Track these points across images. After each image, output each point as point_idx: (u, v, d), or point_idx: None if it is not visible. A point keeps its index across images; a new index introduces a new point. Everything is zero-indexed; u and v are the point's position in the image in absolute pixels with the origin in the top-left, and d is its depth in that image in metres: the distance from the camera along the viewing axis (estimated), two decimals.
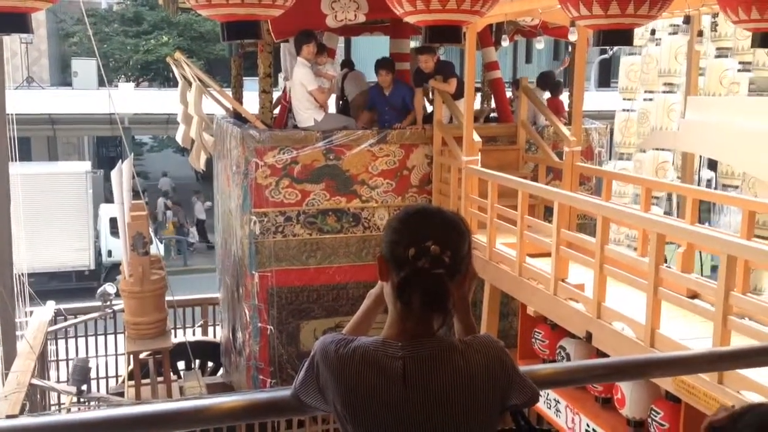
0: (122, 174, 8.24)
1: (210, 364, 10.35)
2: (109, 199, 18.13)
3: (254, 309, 7.58)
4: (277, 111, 8.39)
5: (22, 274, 9.47)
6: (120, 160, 8.37)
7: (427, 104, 8.33)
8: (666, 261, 5.00)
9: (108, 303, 9.98)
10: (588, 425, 5.46)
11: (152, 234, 9.51)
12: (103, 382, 10.32)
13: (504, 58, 25.31)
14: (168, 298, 8.66)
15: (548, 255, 5.70)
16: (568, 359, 5.71)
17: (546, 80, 9.01)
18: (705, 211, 8.89)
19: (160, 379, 8.57)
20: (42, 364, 9.06)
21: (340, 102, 9.22)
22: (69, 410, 8.70)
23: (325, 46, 8.17)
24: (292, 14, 4.26)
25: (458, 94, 7.57)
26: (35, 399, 8.12)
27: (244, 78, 10.02)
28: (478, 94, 9.65)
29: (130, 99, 20.71)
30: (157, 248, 10.13)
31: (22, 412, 7.05)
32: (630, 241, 9.31)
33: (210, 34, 27.29)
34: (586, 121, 8.44)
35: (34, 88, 23.75)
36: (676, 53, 8.88)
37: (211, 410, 1.73)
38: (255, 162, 7.36)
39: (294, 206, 7.55)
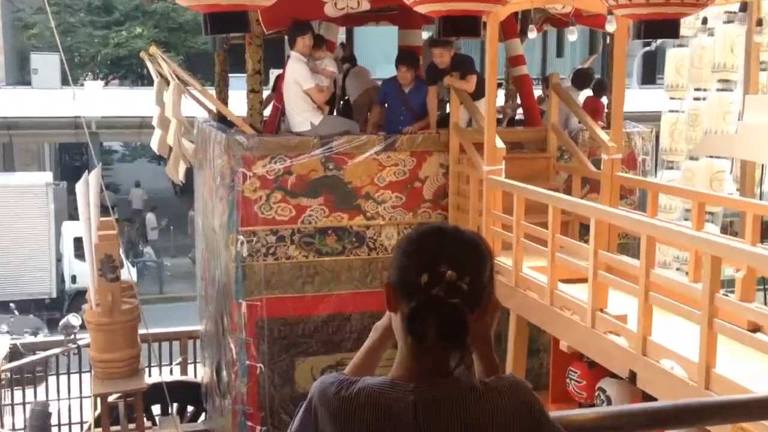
0: (89, 186, 8.28)
1: (190, 408, 10.34)
2: (73, 216, 18.15)
3: (241, 344, 7.58)
4: (267, 113, 8.44)
5: None
6: (86, 171, 8.40)
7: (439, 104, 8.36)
8: (722, 288, 4.97)
9: (72, 337, 9.99)
10: None
11: (123, 256, 9.54)
12: (65, 430, 10.31)
13: (531, 52, 25.43)
14: (142, 331, 8.65)
15: (584, 281, 5.68)
16: (609, 403, 5.67)
17: (583, 78, 9.03)
18: None
19: (131, 426, 8.55)
20: None
21: (341, 103, 9.26)
22: None
23: (324, 38, 8.23)
24: (285, 2, 4.30)
25: (478, 93, 7.60)
26: None
27: (229, 75, 10.09)
28: (501, 93, 9.68)
29: (97, 100, 20.84)
30: (129, 273, 10.13)
31: None
32: (680, 264, 9.27)
33: (190, 25, 27.51)
34: (628, 124, 8.46)
35: None
36: (732, 45, 8.89)
37: None
38: (242, 172, 7.39)
39: (288, 224, 7.57)
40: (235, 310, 7.58)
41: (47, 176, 20.93)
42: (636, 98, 16.42)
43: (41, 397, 10.05)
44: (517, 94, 9.42)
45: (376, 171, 7.72)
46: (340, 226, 7.69)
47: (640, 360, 5.05)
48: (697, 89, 9.43)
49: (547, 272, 6.06)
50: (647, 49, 21.71)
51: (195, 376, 10.59)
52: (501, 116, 8.95)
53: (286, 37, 8.49)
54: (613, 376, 5.64)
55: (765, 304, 6.62)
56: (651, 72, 25.81)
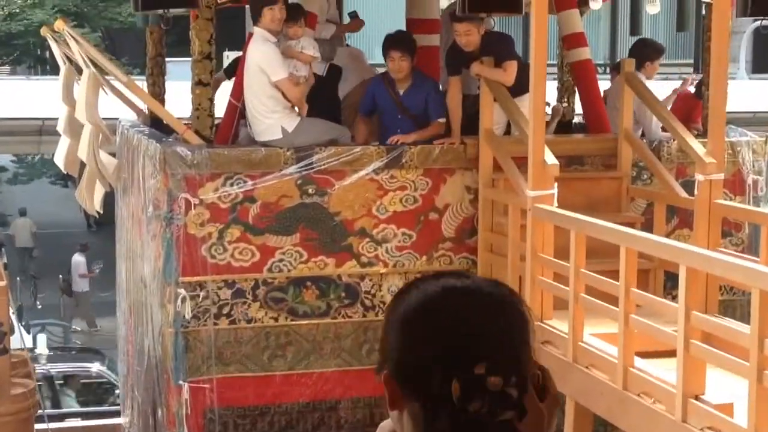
0: None
1: None
2: None
3: None
4: (221, 115, 8.47)
5: None
6: None
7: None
8: None
9: None
10: None
11: (13, 318, 9.52)
12: None
13: (594, 29, 25.59)
14: (40, 426, 8.61)
15: (671, 354, 5.66)
16: None
17: (647, 53, 9.05)
18: None
19: None
20: None
21: (326, 99, 9.29)
22: None
23: (301, 8, 8.27)
24: None
25: (520, 86, 7.63)
26: None
27: (167, 60, 10.12)
28: (553, 87, 9.72)
29: None
30: (21, 341, 10.07)
31: None
32: None
33: None
34: (732, 130, 8.47)
35: None
36: None
37: None
38: (185, 199, 7.41)
39: (249, 272, 7.57)
40: (174, 397, 7.54)
41: None
42: (744, 93, 16.47)
43: None
44: (575, 88, 9.45)
45: (375, 197, 7.74)
46: (323, 276, 7.69)
47: None
48: None
49: (618, 342, 6.02)
50: (758, 24, 21.80)
51: None
52: (552, 119, 8.98)
53: (247, 8, 8.55)
54: None
55: None
56: (764, 57, 25.90)
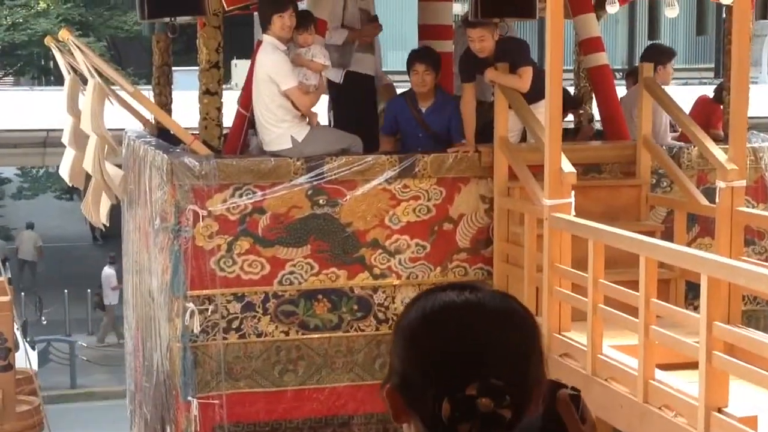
0: None
1: None
2: None
3: None
4: (229, 124, 8.49)
5: None
6: None
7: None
8: None
9: None
10: None
11: (18, 334, 9.55)
12: None
13: (612, 33, 25.55)
14: None
15: (694, 366, 5.64)
16: None
17: (659, 56, 9.06)
18: None
19: None
20: None
21: (345, 107, 9.29)
22: None
23: (311, 15, 8.29)
24: None
25: (535, 93, 7.64)
26: None
27: (174, 69, 10.15)
28: (569, 92, 9.73)
29: None
30: (27, 359, 10.09)
31: None
32: None
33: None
34: (754, 136, 8.46)
35: None
36: None
37: None
38: (193, 211, 7.42)
39: (259, 285, 7.58)
40: (182, 413, 7.54)
41: None
42: (766, 97, 16.43)
43: None
44: (593, 94, 9.45)
45: (388, 207, 7.75)
46: (335, 288, 7.69)
47: None
48: None
49: (638, 354, 6.01)
50: None
51: None
52: (578, 134, 8.99)
53: (256, 15, 8.56)
54: None
55: None
56: None
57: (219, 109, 7.87)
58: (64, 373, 21.53)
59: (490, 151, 7.85)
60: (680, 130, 8.69)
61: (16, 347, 8.62)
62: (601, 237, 6.44)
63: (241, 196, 7.52)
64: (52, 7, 27.71)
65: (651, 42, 11.84)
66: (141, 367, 9.01)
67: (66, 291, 23.34)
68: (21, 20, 27.53)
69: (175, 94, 10.10)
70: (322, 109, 8.73)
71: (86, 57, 8.70)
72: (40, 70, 30.01)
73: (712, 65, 25.62)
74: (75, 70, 9.01)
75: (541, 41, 17.18)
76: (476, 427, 1.63)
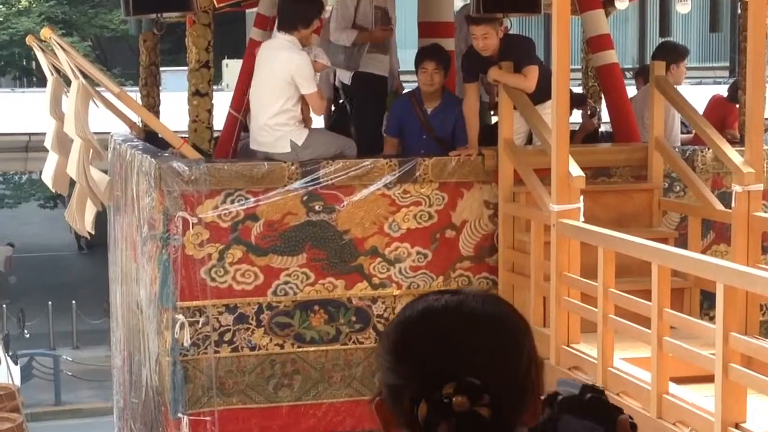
0: None
1: None
2: None
3: None
4: (220, 127, 8.49)
5: None
6: None
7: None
8: None
9: None
10: None
11: (1, 350, 9.55)
12: None
13: (621, 30, 25.54)
14: None
15: (709, 380, 5.64)
16: None
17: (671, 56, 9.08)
18: None
19: None
20: None
21: (332, 109, 9.31)
22: None
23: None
24: None
25: (541, 93, 7.64)
26: None
27: (161, 70, 10.15)
28: (576, 92, 9.72)
29: None
30: (9, 374, 10.07)
31: None
32: None
33: None
34: None
35: None
36: None
37: None
38: (182, 218, 7.42)
39: (252, 296, 7.57)
40: (172, 431, 7.53)
41: None
42: None
43: None
44: (601, 94, 9.45)
45: (387, 213, 7.74)
46: (332, 299, 7.69)
47: None
48: None
49: (651, 367, 6.00)
50: None
51: None
52: (579, 132, 8.98)
53: (247, 12, 8.55)
54: None
55: None
56: None
57: (209, 111, 7.87)
58: (48, 389, 21.54)
59: (494, 154, 7.84)
60: (693, 131, 8.70)
61: None
62: (612, 244, 6.44)
63: (233, 202, 7.51)
64: (34, 5, 27.75)
65: (662, 39, 11.86)
66: (129, 383, 9.00)
67: (50, 303, 23.34)
68: (1, 19, 27.59)
69: (163, 96, 10.11)
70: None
71: (70, 57, 8.70)
72: (22, 71, 30.05)
73: (727, 63, 25.63)
74: (58, 71, 9.01)
75: (547, 38, 17.21)
76: (454, 428, 1.66)
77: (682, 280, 7.18)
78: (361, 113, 8.86)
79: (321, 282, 7.67)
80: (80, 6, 28.59)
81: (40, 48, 9.07)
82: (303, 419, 7.67)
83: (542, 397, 1.84)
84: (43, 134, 9.69)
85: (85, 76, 8.64)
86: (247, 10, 12.22)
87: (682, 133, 9.18)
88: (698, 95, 9.69)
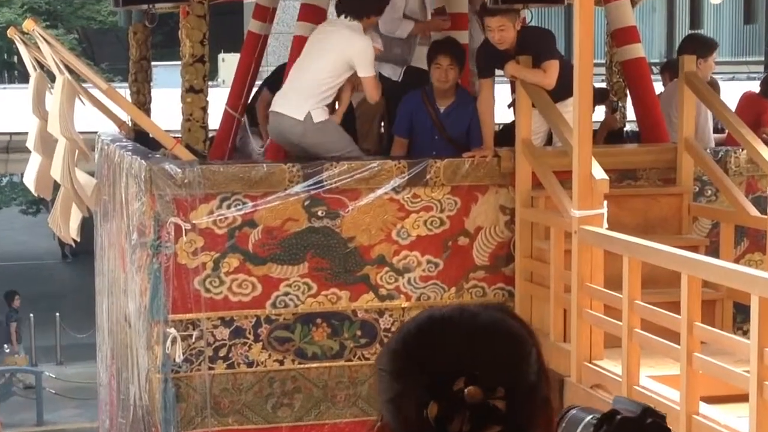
0: None
1: None
2: None
3: None
4: (216, 126, 8.48)
5: None
6: None
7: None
8: None
9: None
10: None
11: None
12: None
13: (648, 22, 25.57)
14: None
15: (743, 399, 5.61)
16: None
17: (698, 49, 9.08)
18: None
19: None
20: None
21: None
22: None
23: None
24: None
25: (562, 89, 7.63)
26: None
27: (153, 65, 10.17)
28: (597, 87, 9.72)
29: None
30: None
31: None
32: None
33: None
34: None
35: None
36: None
37: None
38: (174, 224, 7.41)
39: (249, 308, 7.57)
40: None
41: None
42: None
43: None
44: (626, 91, 9.44)
45: (396, 219, 7.73)
46: (335, 312, 7.68)
47: None
48: None
49: (680, 385, 5.98)
50: None
51: None
52: (602, 129, 8.96)
53: (245, 3, 8.54)
54: None
55: None
56: None
57: (204, 109, 7.91)
58: (29, 408, 21.59)
59: (511, 155, 7.84)
60: (726, 130, 8.68)
61: None
62: (638, 252, 6.42)
63: (229, 207, 7.51)
64: None
65: (691, 32, 11.87)
66: (116, 401, 9.00)
67: (32, 315, 23.39)
68: None
69: (155, 92, 10.15)
70: None
71: (54, 51, 8.71)
72: (3, 66, 30.19)
73: (762, 57, 25.63)
74: (42, 66, 9.02)
75: (568, 31, 17.23)
76: (467, 420, 1.69)
77: (714, 291, 7.16)
78: None
79: (324, 293, 7.67)
80: None
81: (23, 41, 9.08)
82: None
83: (594, 418, 1.93)
84: (25, 134, 9.69)
85: (70, 71, 8.65)
86: (245, 1, 12.29)
87: (715, 132, 9.17)
88: (731, 91, 9.65)
